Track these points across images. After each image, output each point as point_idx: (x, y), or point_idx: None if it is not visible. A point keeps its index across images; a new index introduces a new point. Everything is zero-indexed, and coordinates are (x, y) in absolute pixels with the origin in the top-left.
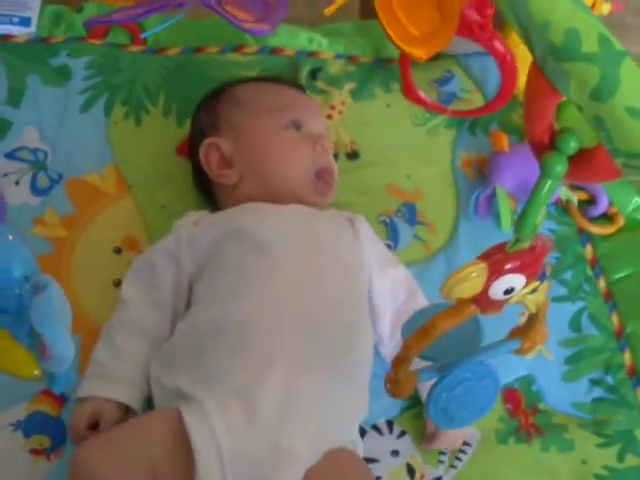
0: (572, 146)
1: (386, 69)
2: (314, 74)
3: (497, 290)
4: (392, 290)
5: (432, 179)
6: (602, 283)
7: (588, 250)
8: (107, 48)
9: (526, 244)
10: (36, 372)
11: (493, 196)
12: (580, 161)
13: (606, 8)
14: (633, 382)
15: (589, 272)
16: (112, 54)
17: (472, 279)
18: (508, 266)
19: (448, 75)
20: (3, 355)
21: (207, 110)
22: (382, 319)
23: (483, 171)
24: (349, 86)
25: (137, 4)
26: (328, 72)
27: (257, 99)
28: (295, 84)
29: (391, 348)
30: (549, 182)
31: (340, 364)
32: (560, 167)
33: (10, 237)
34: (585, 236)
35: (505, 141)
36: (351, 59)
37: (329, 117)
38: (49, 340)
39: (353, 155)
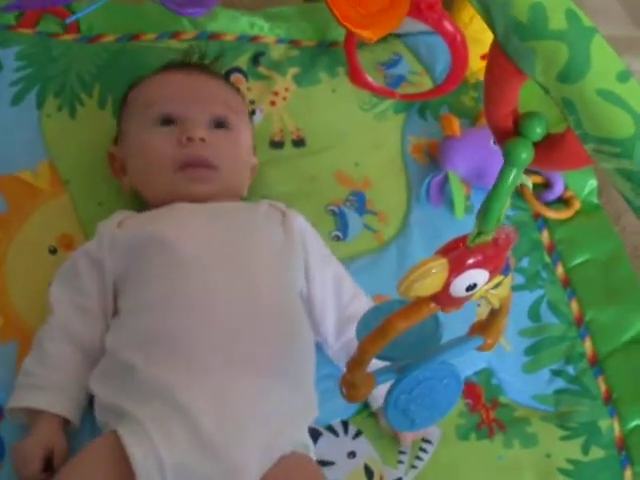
0: (538, 131)
1: (331, 53)
2: (256, 59)
3: (459, 287)
4: (334, 289)
5: (381, 166)
6: (560, 269)
7: (545, 236)
8: (38, 37)
9: (488, 237)
10: None
11: (445, 182)
12: (547, 147)
13: None
14: (594, 371)
15: (546, 259)
16: (43, 43)
17: (432, 276)
18: (470, 261)
19: (395, 57)
20: None
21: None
22: (325, 319)
23: (434, 156)
24: (293, 71)
25: None
26: (270, 57)
27: (137, 99)
28: (186, 65)
29: (337, 349)
30: (514, 171)
31: (277, 367)
32: (525, 154)
33: None
34: (541, 221)
35: (456, 125)
36: (294, 43)
37: (272, 104)
38: None
39: (299, 142)
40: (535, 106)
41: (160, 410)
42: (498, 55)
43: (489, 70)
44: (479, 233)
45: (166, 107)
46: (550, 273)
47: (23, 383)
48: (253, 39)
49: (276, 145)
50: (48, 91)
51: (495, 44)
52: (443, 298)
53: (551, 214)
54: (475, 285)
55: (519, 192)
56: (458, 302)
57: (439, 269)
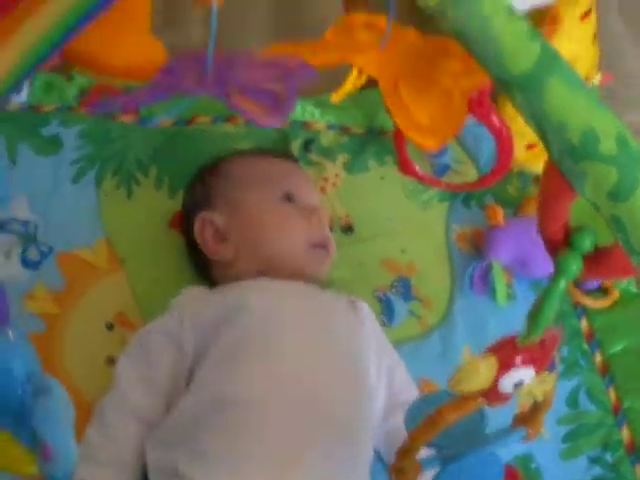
0: (587, 245)
1: (379, 140)
2: (307, 146)
3: (506, 384)
4: (388, 376)
5: (426, 253)
6: (598, 357)
7: (584, 324)
8: (98, 118)
9: (537, 338)
10: (33, 469)
11: (488, 271)
12: (595, 259)
13: (596, 78)
14: (632, 459)
15: (585, 347)
16: (103, 124)
17: (481, 373)
18: (518, 361)
19: (442, 147)
20: (3, 455)
21: (201, 184)
22: (374, 403)
23: (478, 245)
24: (342, 158)
25: (140, 89)
26: (321, 143)
27: (250, 173)
28: (287, 156)
29: (381, 434)
30: (564, 281)
31: (342, 453)
32: (575, 266)
33: (10, 335)
34: (580, 310)
35: (500, 215)
36: (344, 130)
37: (323, 190)
38: (52, 445)
39: (348, 229)
40: (586, 219)
41: (220, 475)
42: (553, 173)
43: (544, 186)
44: (528, 335)
45: (291, 188)
46: (588, 361)
47: (84, 454)
48: (304, 125)
49: None
50: (106, 170)
51: (550, 163)
52: (491, 394)
53: (590, 303)
54: (522, 382)
55: None
56: (505, 398)
57: (489, 367)
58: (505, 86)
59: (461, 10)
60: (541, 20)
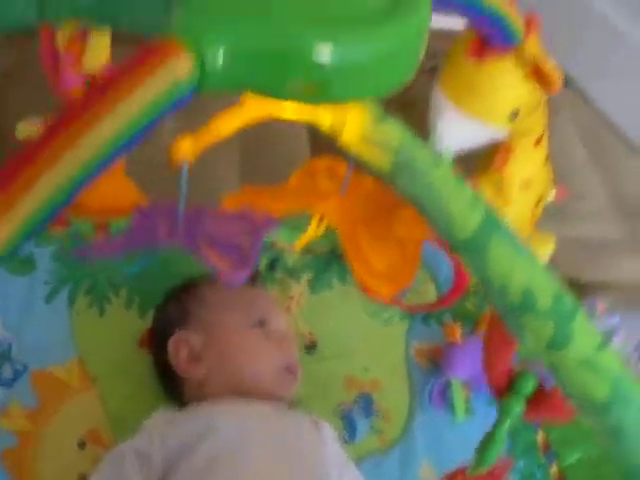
0: (529, 388)
1: (342, 260)
2: (273, 264)
3: None
4: None
5: (387, 370)
6: (554, 468)
7: (540, 437)
8: (70, 238)
9: (484, 470)
10: None
11: (447, 387)
12: (537, 401)
13: (552, 195)
14: None
15: (541, 459)
16: (75, 244)
17: None
18: None
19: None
20: None
21: (176, 303)
22: None
23: (437, 362)
24: (307, 277)
25: (118, 238)
26: (286, 263)
27: (224, 298)
28: (254, 281)
29: None
30: (508, 422)
31: None
32: (519, 408)
33: None
34: (536, 423)
35: (458, 333)
36: (308, 250)
37: (288, 309)
38: None
39: (311, 346)
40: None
41: None
42: (497, 325)
43: (488, 337)
44: (476, 467)
45: (263, 312)
46: (544, 472)
47: None
48: (271, 245)
49: None
50: (79, 290)
51: (494, 315)
52: None
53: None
54: None
55: None
56: None
57: None
58: (453, 247)
59: (410, 178)
60: (495, 151)
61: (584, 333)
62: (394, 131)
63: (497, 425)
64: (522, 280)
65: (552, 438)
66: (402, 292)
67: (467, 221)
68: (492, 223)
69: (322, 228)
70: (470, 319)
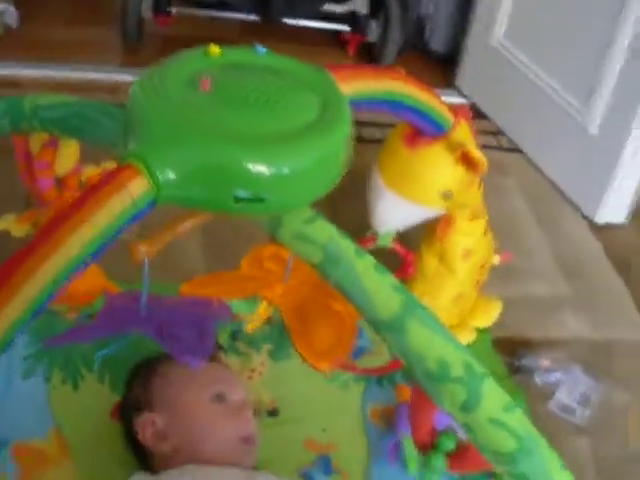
0: (450, 445)
1: None
2: (235, 335)
3: None
4: None
5: (345, 430)
6: None
7: None
8: (46, 315)
9: None
10: None
11: (400, 443)
12: (458, 455)
13: (495, 259)
14: None
15: None
16: (50, 321)
17: None
18: None
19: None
20: None
21: (141, 384)
22: None
23: (390, 421)
24: (267, 347)
25: (85, 326)
26: (246, 334)
27: (183, 375)
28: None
29: None
30: (430, 475)
31: None
32: (440, 463)
33: None
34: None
35: (408, 393)
36: (266, 320)
37: (250, 378)
38: None
39: (273, 412)
40: None
41: None
42: (418, 392)
43: (412, 402)
44: None
45: (221, 387)
46: None
47: None
48: (233, 317)
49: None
50: (54, 365)
51: (416, 385)
52: None
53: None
54: None
55: None
56: None
57: None
58: (375, 327)
59: (339, 268)
60: (436, 222)
61: (492, 396)
62: (322, 229)
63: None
64: (438, 351)
65: None
66: (348, 359)
67: (388, 305)
68: (411, 306)
69: (271, 310)
70: None
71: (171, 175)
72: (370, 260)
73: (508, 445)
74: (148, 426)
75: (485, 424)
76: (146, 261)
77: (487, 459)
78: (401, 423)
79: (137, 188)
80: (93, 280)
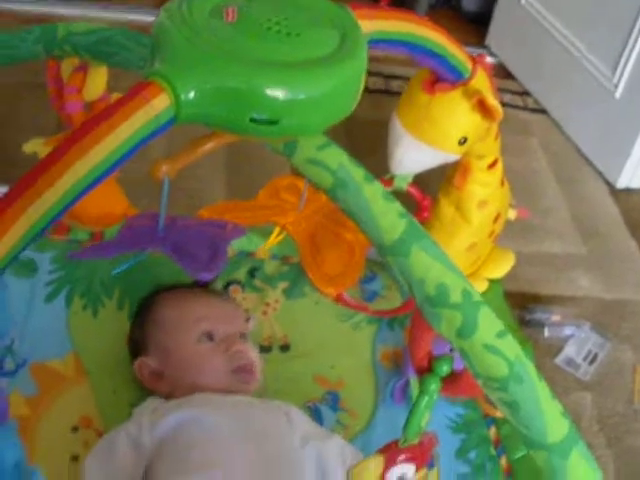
0: (445, 369)
1: None
2: (252, 273)
3: (392, 477)
4: (341, 455)
5: (354, 370)
6: (503, 461)
7: (492, 431)
8: (69, 244)
9: (415, 440)
10: None
11: (407, 385)
12: (452, 381)
13: (512, 214)
14: None
15: (492, 452)
16: (73, 249)
17: (371, 469)
18: (400, 458)
19: (371, 275)
20: None
21: (138, 328)
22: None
23: (399, 363)
24: (282, 285)
25: (107, 242)
26: (264, 272)
27: (172, 316)
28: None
29: None
30: (426, 398)
31: None
32: (434, 386)
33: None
34: (490, 419)
35: None
36: (285, 259)
37: (264, 313)
38: None
39: (285, 347)
40: None
41: None
42: (418, 314)
43: (411, 327)
44: (405, 438)
45: (207, 327)
46: (494, 464)
47: None
48: (250, 254)
49: (265, 349)
50: (75, 292)
51: (416, 307)
52: None
53: (499, 413)
54: (404, 476)
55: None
56: None
57: (376, 464)
58: (380, 251)
59: (348, 193)
60: (454, 170)
61: (488, 323)
62: (334, 155)
63: (417, 401)
64: (437, 277)
65: (503, 433)
66: (360, 301)
67: (392, 230)
68: (414, 232)
69: (282, 237)
70: None
71: (192, 94)
72: (378, 186)
73: (501, 370)
74: (144, 367)
75: (480, 350)
76: (166, 180)
77: (480, 385)
78: (409, 365)
79: (159, 104)
80: (117, 203)
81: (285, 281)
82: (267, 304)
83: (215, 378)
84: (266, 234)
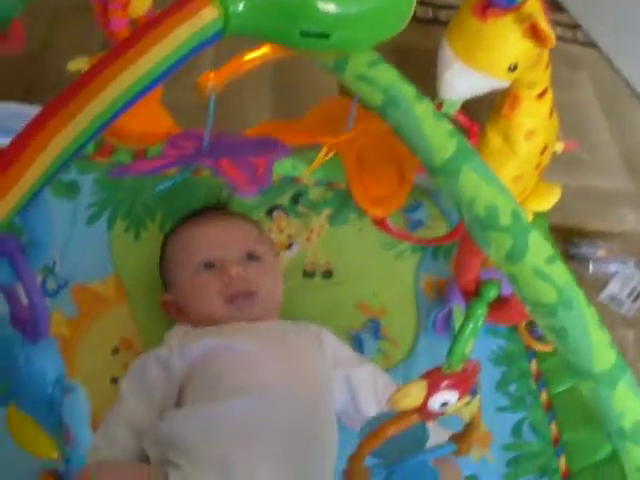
0: (492, 295)
1: None
2: (296, 199)
3: (434, 403)
4: (373, 383)
5: (396, 298)
6: (544, 395)
7: (533, 365)
8: (112, 166)
9: (459, 367)
10: (55, 455)
11: (450, 315)
12: (498, 306)
13: (559, 147)
14: None
15: (533, 385)
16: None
17: (413, 395)
18: (443, 384)
19: (415, 204)
20: (29, 437)
21: (161, 265)
22: (370, 408)
23: (442, 293)
24: (326, 212)
25: (152, 158)
26: (309, 198)
27: (174, 250)
28: (211, 209)
29: None
30: (471, 325)
31: (312, 461)
32: (481, 310)
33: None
34: (531, 352)
35: None
36: (329, 186)
37: (308, 239)
38: (75, 432)
39: (327, 274)
40: None
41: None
42: (466, 237)
43: (459, 250)
44: (449, 365)
45: (205, 256)
46: (534, 398)
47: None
48: (294, 180)
49: (308, 275)
50: (117, 214)
51: (464, 228)
52: (423, 411)
53: (540, 347)
54: (447, 403)
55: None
56: (435, 415)
57: (419, 390)
58: (430, 170)
59: (398, 111)
60: (502, 99)
61: (537, 248)
62: (384, 72)
63: (462, 327)
64: (487, 198)
65: (544, 367)
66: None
67: (443, 149)
68: (465, 152)
69: (329, 157)
70: None
71: (241, 6)
72: (429, 105)
73: (550, 296)
74: (168, 304)
75: (529, 274)
76: (212, 97)
77: (529, 311)
78: (453, 294)
79: (207, 15)
80: (160, 121)
81: (329, 207)
82: (311, 230)
83: (214, 307)
84: (311, 160)
